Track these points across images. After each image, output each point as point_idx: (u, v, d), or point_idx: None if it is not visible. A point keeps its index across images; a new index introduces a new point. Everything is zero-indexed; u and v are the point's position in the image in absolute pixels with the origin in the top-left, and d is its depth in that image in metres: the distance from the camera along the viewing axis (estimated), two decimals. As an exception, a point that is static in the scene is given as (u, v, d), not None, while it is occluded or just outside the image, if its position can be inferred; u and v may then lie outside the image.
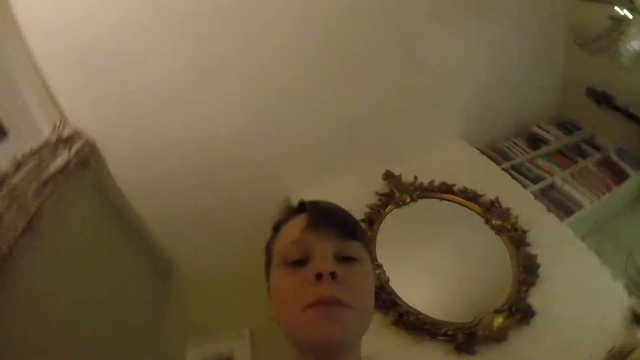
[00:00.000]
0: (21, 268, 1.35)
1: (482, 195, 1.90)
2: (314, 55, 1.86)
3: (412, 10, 1.92)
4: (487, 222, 1.82)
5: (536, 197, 1.97)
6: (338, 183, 2.00)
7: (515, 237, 1.74)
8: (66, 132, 1.71)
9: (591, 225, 2.11)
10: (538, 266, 1.66)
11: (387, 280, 1.66)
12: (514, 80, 2.32)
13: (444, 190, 1.94)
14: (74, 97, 1.73)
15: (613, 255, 2.02)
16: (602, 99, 2.25)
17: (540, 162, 2.28)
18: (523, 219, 1.81)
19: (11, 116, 1.66)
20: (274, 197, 2.10)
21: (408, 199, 1.92)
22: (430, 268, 1.74)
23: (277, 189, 2.08)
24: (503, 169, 2.14)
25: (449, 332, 1.50)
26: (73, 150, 1.70)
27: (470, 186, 1.94)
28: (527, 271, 1.65)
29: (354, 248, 0.61)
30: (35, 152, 1.55)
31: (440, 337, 1.49)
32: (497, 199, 1.86)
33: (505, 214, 1.82)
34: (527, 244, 1.73)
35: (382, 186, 2.00)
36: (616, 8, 1.68)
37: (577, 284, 1.60)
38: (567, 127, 2.52)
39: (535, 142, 2.43)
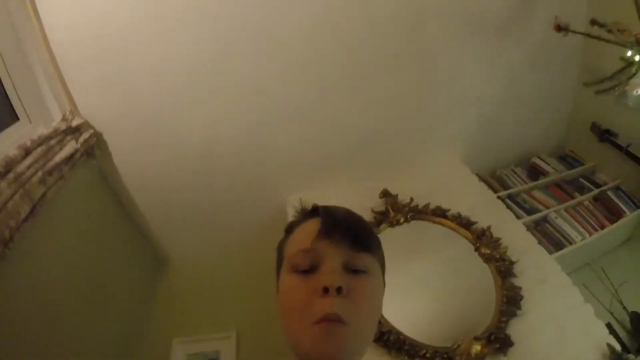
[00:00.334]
0: (22, 252, 1.42)
1: (474, 223, 1.96)
2: (326, 69, 1.94)
3: (430, 31, 1.99)
4: (477, 249, 1.88)
5: (528, 228, 2.03)
6: (336, 194, 2.05)
7: (503, 267, 1.80)
8: (75, 122, 1.78)
9: (582, 259, 2.15)
10: (521, 298, 1.72)
11: (374, 299, 1.71)
12: (521, 110, 2.40)
13: (438, 214, 2.00)
14: (87, 89, 1.81)
15: (601, 291, 2.09)
16: (605, 135, 2.29)
17: (537, 193, 2.34)
18: (512, 250, 1.86)
19: (24, 101, 1.74)
20: (270, 204, 2.17)
21: (402, 219, 1.98)
22: (416, 290, 1.80)
23: (274, 197, 2.15)
24: (499, 197, 2.19)
25: (427, 355, 1.57)
26: (80, 140, 1.78)
27: (465, 212, 2.00)
28: (510, 302, 1.70)
29: (365, 260, 0.62)
30: (43, 140, 1.63)
31: (417, 359, 1.55)
32: (488, 227, 1.92)
33: (495, 243, 1.87)
34: (514, 275, 1.79)
35: (378, 203, 2.07)
36: (629, 52, 1.73)
37: (558, 319, 1.65)
38: (569, 160, 2.59)
39: (535, 173, 2.49)
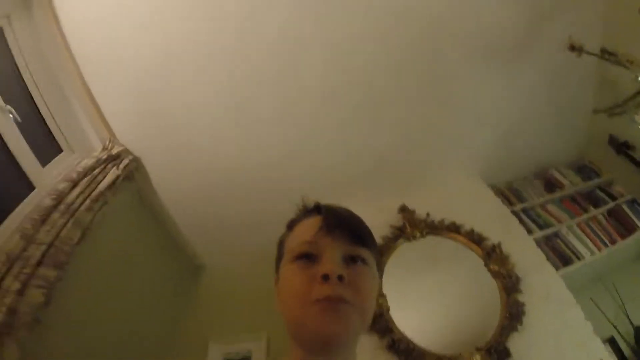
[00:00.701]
0: (77, 270, 1.66)
1: (486, 239, 2.10)
2: (347, 99, 2.11)
3: (448, 57, 2.10)
4: (486, 265, 2.04)
5: (539, 243, 2.17)
6: (357, 209, 2.21)
7: (509, 284, 1.96)
8: (115, 150, 1.99)
9: (592, 273, 2.26)
10: (524, 313, 1.89)
11: (388, 309, 1.93)
12: (539, 124, 2.52)
13: (452, 230, 2.16)
14: (124, 119, 2.05)
15: (608, 305, 2.20)
16: (622, 148, 2.33)
17: (551, 207, 2.44)
18: (520, 265, 2.01)
19: (66, 134, 1.96)
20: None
21: (418, 235, 2.16)
22: (427, 302, 2.00)
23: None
24: (513, 211, 2.31)
25: (433, 362, 1.75)
26: (121, 166, 2.00)
27: (478, 227, 2.15)
28: (513, 317, 1.87)
29: (362, 253, 0.66)
30: (88, 171, 1.85)
31: (423, 366, 1.74)
32: (499, 244, 2.07)
33: (504, 260, 2.03)
34: (519, 291, 1.95)
35: (396, 218, 2.25)
36: None
37: (557, 335, 1.82)
38: (586, 171, 2.67)
39: (551, 185, 2.59)
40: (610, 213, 2.38)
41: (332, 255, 0.63)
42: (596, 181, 2.57)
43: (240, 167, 2.18)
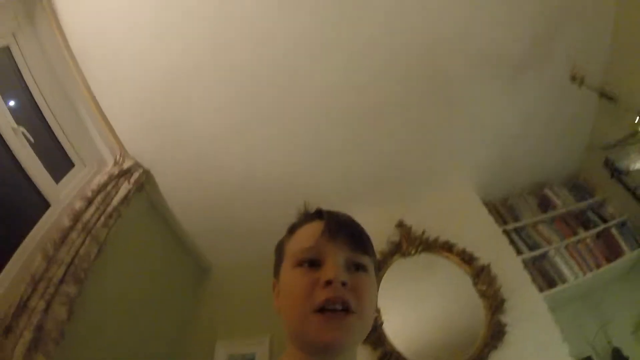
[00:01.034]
0: (93, 284, 1.82)
1: (476, 259, 2.25)
2: (348, 109, 2.21)
3: (451, 72, 2.20)
4: (475, 284, 2.21)
5: (527, 264, 2.34)
6: (357, 219, 2.37)
7: (494, 304, 2.14)
8: (126, 164, 2.10)
9: (577, 293, 2.44)
10: (504, 333, 2.07)
11: (382, 323, 2.12)
12: (537, 140, 2.58)
13: (446, 249, 2.32)
14: (134, 133, 2.18)
15: (589, 324, 2.38)
16: (615, 173, 2.42)
17: (542, 227, 2.59)
18: (507, 286, 2.19)
19: (76, 149, 2.07)
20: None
21: (413, 251, 2.33)
22: (417, 317, 2.19)
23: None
24: (505, 230, 2.45)
25: (419, 374, 1.96)
26: (132, 179, 2.12)
27: (470, 246, 2.32)
28: (494, 336, 2.07)
29: (363, 259, 0.69)
30: (101, 188, 1.97)
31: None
32: (488, 265, 2.24)
33: (491, 281, 2.20)
34: (502, 311, 2.12)
35: (394, 232, 2.38)
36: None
37: (534, 355, 1.99)
38: (580, 190, 2.81)
39: (544, 204, 2.70)
40: (599, 235, 2.53)
41: (335, 261, 0.65)
42: (589, 202, 2.72)
43: (246, 179, 2.34)
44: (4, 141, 1.70)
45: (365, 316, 0.64)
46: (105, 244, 1.90)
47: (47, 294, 1.60)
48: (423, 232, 2.37)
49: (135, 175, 2.11)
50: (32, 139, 1.83)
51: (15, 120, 1.78)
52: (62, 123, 2.00)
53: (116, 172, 2.03)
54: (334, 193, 2.43)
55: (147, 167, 2.18)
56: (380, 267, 2.26)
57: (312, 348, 0.63)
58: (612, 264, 2.40)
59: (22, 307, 1.51)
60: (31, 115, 1.94)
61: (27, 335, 1.46)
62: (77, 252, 1.77)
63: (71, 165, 2.05)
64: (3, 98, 1.75)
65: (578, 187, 2.82)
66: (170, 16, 1.83)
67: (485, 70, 2.20)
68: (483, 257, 2.25)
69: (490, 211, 2.48)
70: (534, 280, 2.23)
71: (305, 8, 1.86)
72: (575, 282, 2.35)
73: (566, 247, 2.46)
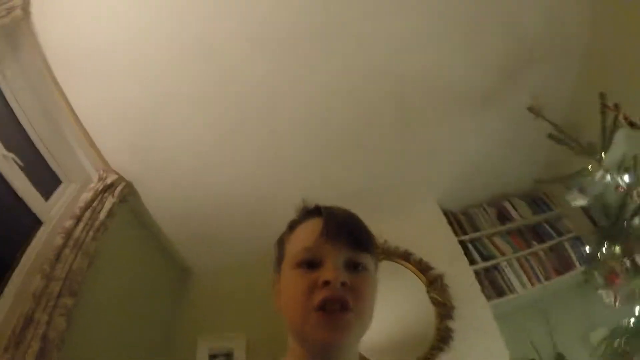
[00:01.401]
0: (86, 294, 2.09)
1: (432, 269, 2.53)
2: (322, 134, 2.45)
3: (415, 104, 2.43)
4: (428, 292, 2.51)
5: (479, 274, 2.63)
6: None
7: (444, 312, 2.46)
8: (110, 179, 2.30)
9: (526, 301, 2.75)
10: (451, 338, 2.41)
11: (339, 322, 2.42)
12: (500, 160, 2.90)
13: (404, 258, 2.61)
14: (116, 150, 2.42)
15: (537, 331, 2.68)
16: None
17: (497, 239, 2.88)
18: (457, 296, 2.51)
19: (63, 167, 2.27)
20: (271, 232, 2.77)
21: (374, 259, 2.55)
22: (375, 318, 2.47)
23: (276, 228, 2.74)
24: (462, 240, 2.70)
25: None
26: (116, 193, 2.35)
27: (427, 256, 2.63)
28: (442, 340, 2.42)
29: (364, 258, 0.70)
30: (88, 204, 2.19)
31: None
32: (442, 275, 2.53)
33: (444, 290, 2.49)
34: (451, 318, 2.44)
35: (357, 242, 2.61)
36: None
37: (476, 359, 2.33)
38: (539, 204, 3.08)
39: (502, 216, 2.94)
40: (552, 248, 2.79)
41: (334, 262, 0.67)
42: (545, 215, 2.98)
43: (225, 191, 2.60)
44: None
45: (364, 315, 0.67)
46: (95, 256, 2.17)
47: (48, 307, 1.89)
48: (385, 241, 2.64)
49: (119, 188, 2.34)
50: (21, 163, 2.02)
51: (3, 144, 1.95)
52: (47, 143, 2.21)
53: (100, 187, 2.26)
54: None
55: (130, 179, 2.42)
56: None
57: (312, 346, 0.66)
58: (563, 277, 2.67)
59: (29, 321, 1.81)
60: (17, 135, 2.11)
61: (35, 346, 1.76)
62: (70, 267, 2.03)
63: (59, 182, 2.27)
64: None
65: (537, 201, 3.06)
66: (154, 35, 2.00)
67: (451, 104, 2.43)
68: (438, 267, 2.55)
69: (450, 221, 2.75)
70: (484, 289, 2.53)
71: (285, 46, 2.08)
72: (524, 292, 2.66)
73: (518, 259, 2.75)
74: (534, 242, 2.85)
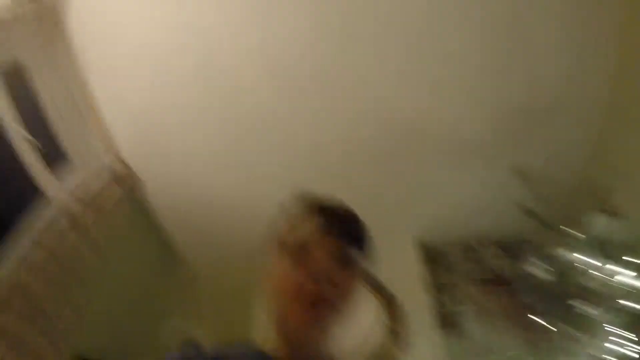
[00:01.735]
0: (92, 278, 2.31)
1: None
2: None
3: (405, 148, 2.70)
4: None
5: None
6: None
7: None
8: (119, 171, 2.48)
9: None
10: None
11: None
12: (482, 206, 3.03)
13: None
14: (129, 144, 2.65)
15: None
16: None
17: (465, 283, 3.00)
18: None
19: (79, 155, 2.46)
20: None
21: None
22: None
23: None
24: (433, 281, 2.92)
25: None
26: (125, 186, 2.52)
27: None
28: None
29: (357, 255, 0.73)
30: (97, 195, 2.37)
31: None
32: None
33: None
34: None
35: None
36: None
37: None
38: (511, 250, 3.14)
39: (477, 259, 3.11)
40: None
41: (326, 256, 0.70)
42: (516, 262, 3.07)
43: (230, 196, 2.88)
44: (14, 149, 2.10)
45: (344, 310, 0.71)
46: (102, 244, 2.37)
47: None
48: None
49: (128, 180, 2.54)
50: (41, 147, 2.22)
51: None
52: (66, 129, 2.39)
53: (111, 176, 2.46)
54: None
55: (137, 171, 2.62)
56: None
57: (289, 338, 0.70)
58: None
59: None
60: (37, 119, 2.29)
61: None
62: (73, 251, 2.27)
63: (71, 166, 2.49)
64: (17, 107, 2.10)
65: (510, 248, 3.10)
66: (180, 36, 2.27)
67: (440, 151, 2.63)
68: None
69: (425, 259, 2.95)
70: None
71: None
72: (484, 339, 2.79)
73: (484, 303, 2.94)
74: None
